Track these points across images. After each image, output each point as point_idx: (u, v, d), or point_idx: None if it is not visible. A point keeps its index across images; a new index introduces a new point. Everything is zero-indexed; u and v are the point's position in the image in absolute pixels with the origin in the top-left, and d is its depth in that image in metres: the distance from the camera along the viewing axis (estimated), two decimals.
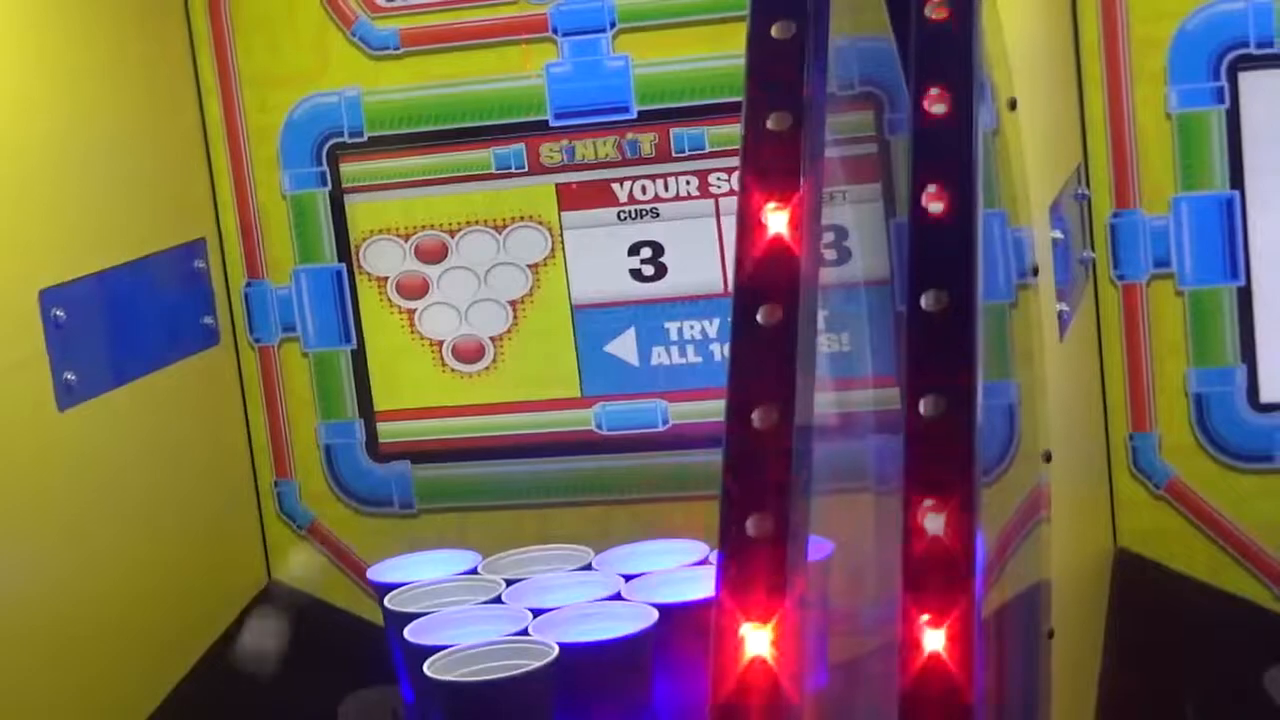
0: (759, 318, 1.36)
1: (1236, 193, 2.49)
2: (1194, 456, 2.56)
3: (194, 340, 2.73)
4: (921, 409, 1.32)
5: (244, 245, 2.80)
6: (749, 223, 1.38)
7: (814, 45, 1.46)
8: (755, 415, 1.31)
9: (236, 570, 2.80)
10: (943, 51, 1.39)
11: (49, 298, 2.38)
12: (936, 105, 1.36)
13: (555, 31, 2.64)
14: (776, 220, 1.37)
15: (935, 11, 1.39)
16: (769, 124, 1.39)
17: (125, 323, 2.57)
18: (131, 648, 2.49)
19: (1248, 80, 2.46)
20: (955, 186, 1.34)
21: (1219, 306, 2.53)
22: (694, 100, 2.60)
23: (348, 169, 2.74)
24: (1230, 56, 2.46)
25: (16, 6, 2.37)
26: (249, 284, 2.81)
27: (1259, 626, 2.54)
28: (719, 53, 2.58)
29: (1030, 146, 1.99)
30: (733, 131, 2.56)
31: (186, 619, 2.62)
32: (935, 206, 1.34)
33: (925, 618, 1.25)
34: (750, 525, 1.30)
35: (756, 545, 1.27)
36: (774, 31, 1.44)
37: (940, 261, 1.34)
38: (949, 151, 1.36)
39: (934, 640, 1.26)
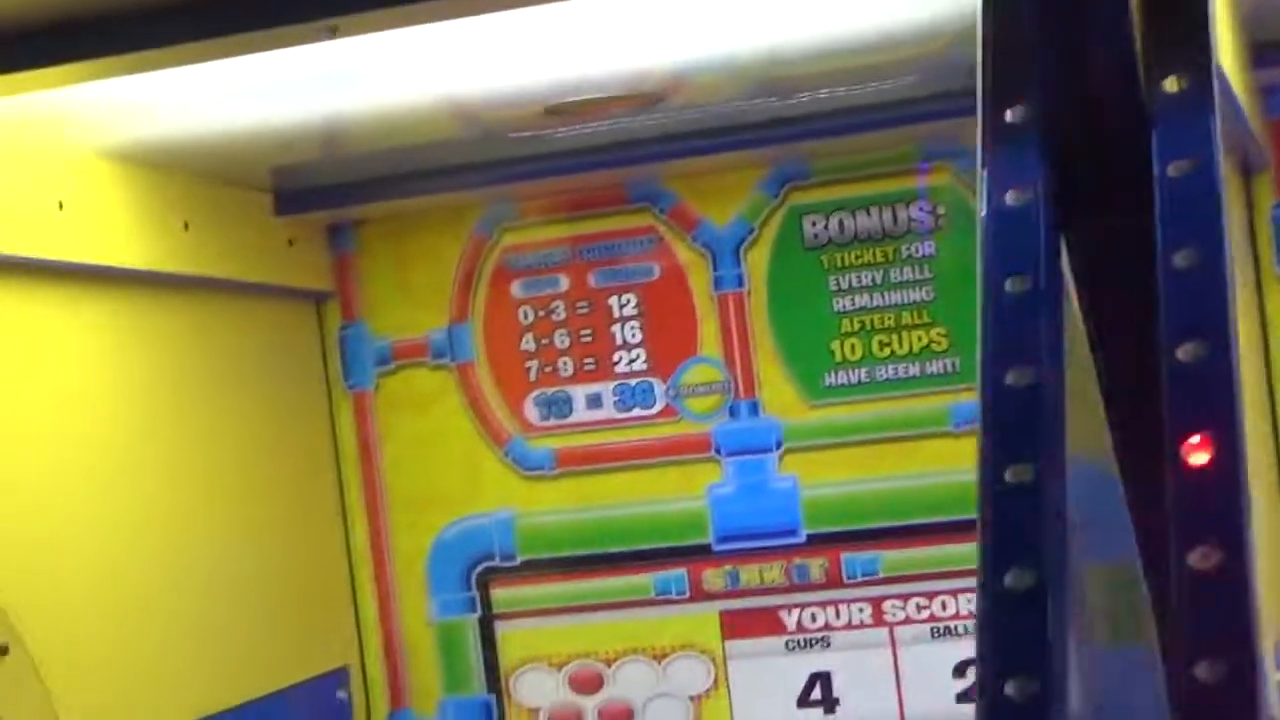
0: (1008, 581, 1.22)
1: None
2: None
3: None
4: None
5: (388, 674, 2.70)
6: None
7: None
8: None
9: None
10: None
11: None
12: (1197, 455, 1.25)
13: (718, 451, 2.55)
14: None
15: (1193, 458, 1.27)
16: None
17: None
18: None
19: None
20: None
21: None
22: (866, 524, 2.51)
23: (499, 594, 2.64)
24: None
25: (169, 436, 2.31)
26: (392, 715, 2.70)
27: None
28: (890, 474, 2.49)
29: None
30: (909, 556, 2.48)
31: None
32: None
33: None
34: None
35: None
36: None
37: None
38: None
39: None
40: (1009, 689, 1.19)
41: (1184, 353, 1.28)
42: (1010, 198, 1.35)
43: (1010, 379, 1.28)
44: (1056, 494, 1.24)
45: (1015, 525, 1.24)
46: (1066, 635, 1.21)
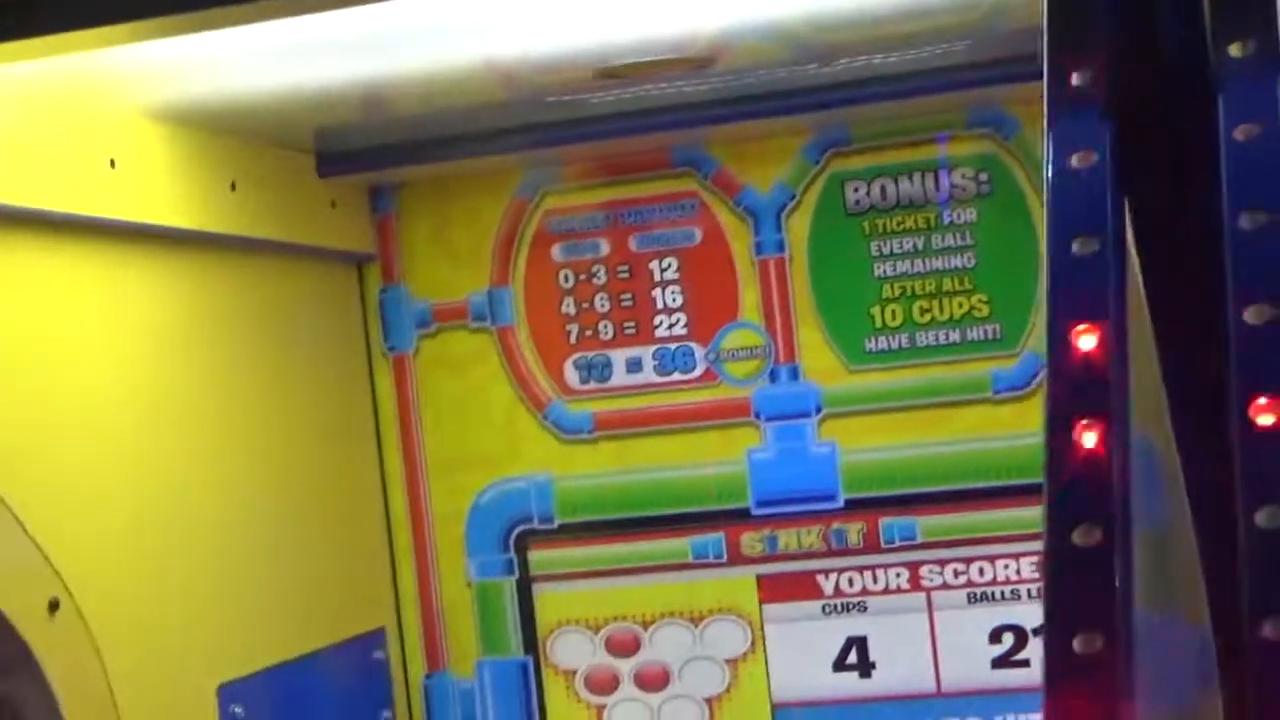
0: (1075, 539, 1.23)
1: None
2: None
3: None
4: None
5: (425, 635, 2.70)
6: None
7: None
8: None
9: None
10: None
11: (227, 694, 2.27)
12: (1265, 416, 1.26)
13: (758, 416, 2.55)
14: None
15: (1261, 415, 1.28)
16: None
17: (301, 718, 2.45)
18: None
19: None
20: None
21: None
22: (904, 489, 2.51)
23: (536, 556, 2.64)
24: None
25: (211, 395, 2.32)
26: (429, 676, 2.69)
27: None
28: (930, 439, 2.50)
29: None
30: (947, 522, 2.48)
31: None
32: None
33: None
34: None
35: None
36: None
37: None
38: None
39: None
40: (1077, 645, 1.20)
41: (1251, 315, 1.28)
42: (1076, 160, 1.35)
43: (1076, 338, 1.29)
44: (1123, 451, 1.25)
45: (1082, 482, 1.24)
46: (1133, 592, 1.22)
